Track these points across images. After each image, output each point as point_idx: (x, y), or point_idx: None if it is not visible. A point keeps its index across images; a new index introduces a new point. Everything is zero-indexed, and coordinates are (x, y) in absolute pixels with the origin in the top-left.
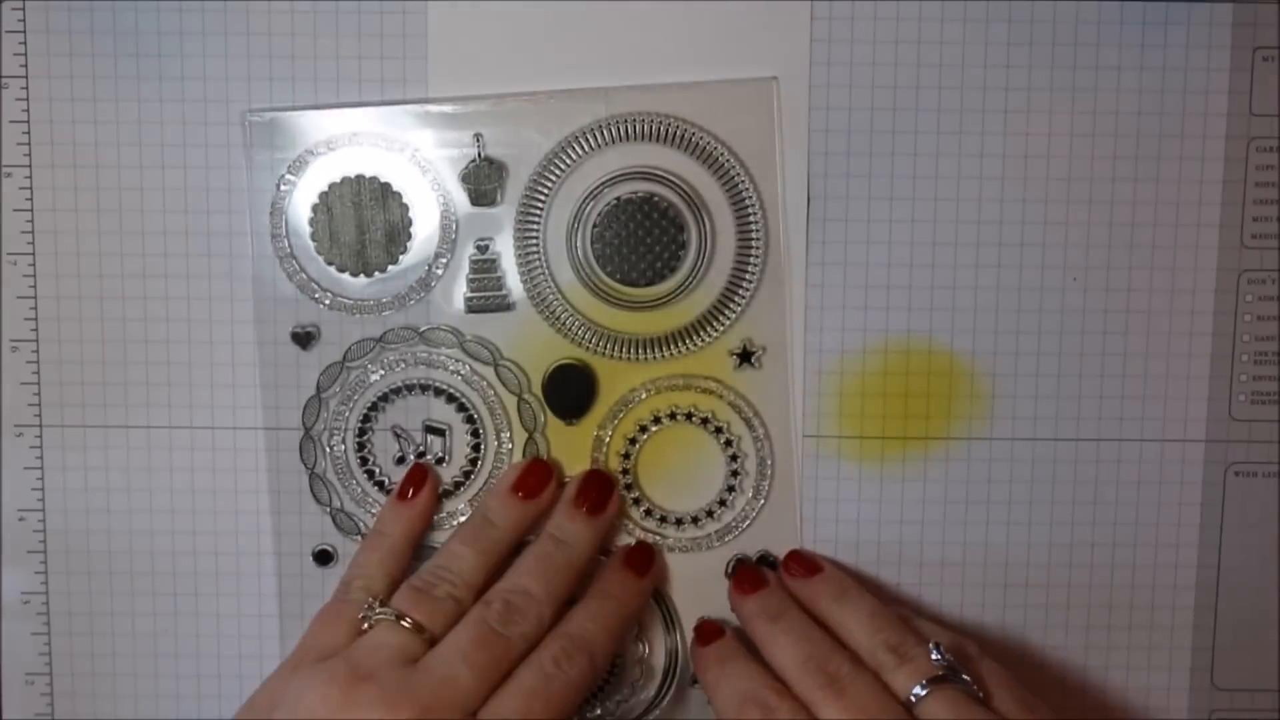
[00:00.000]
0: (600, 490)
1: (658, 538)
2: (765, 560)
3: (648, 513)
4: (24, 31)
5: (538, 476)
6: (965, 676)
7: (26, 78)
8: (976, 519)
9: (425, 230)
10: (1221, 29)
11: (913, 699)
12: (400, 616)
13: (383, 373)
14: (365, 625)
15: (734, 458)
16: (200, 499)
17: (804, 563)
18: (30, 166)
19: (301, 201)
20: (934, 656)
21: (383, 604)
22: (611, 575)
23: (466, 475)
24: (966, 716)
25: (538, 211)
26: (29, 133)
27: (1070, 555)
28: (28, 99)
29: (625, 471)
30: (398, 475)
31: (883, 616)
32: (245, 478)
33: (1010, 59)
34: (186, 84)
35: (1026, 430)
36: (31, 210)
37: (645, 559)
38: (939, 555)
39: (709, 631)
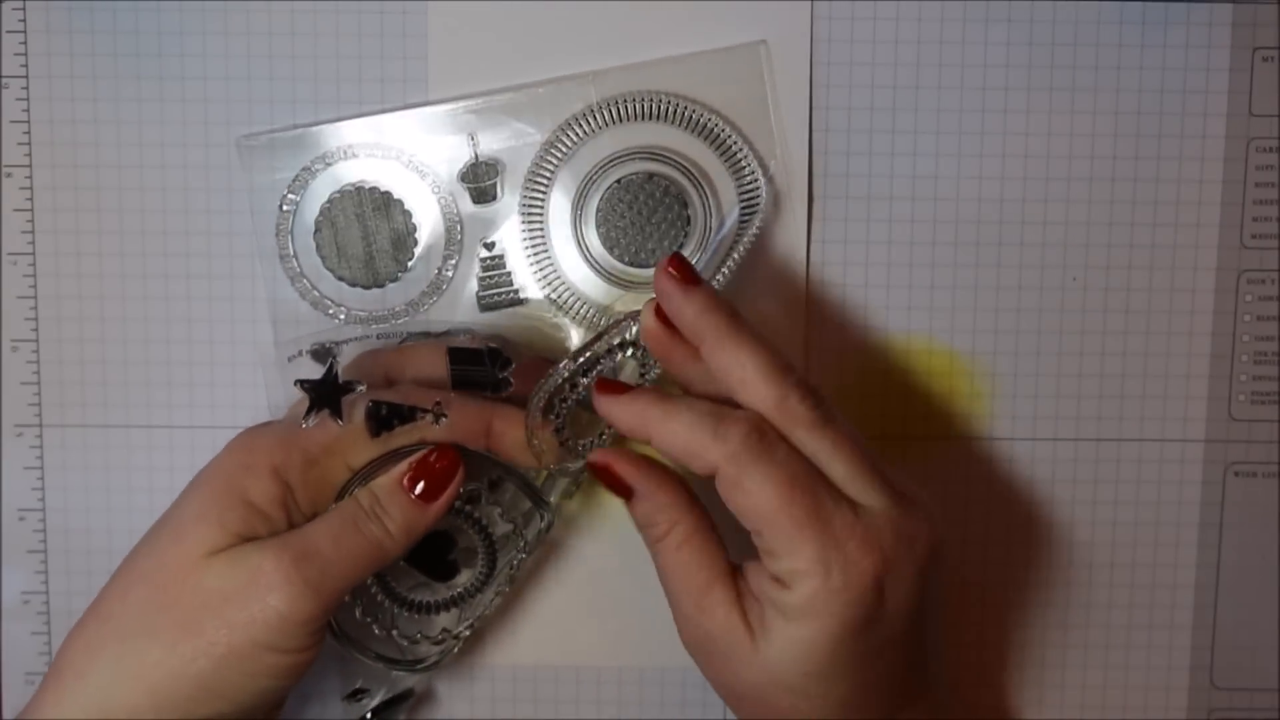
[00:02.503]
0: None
1: None
2: None
3: None
4: (24, 31)
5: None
6: None
7: (27, 78)
8: (976, 519)
9: (431, 234)
10: (1221, 29)
11: None
12: None
13: None
14: None
15: None
16: None
17: (687, 268)
18: (30, 166)
19: (306, 219)
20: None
21: None
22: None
23: None
24: None
25: (539, 203)
26: (29, 133)
27: (1070, 555)
28: (28, 99)
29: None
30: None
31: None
32: None
33: (1010, 59)
34: (187, 84)
35: (1026, 430)
36: (31, 210)
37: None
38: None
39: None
